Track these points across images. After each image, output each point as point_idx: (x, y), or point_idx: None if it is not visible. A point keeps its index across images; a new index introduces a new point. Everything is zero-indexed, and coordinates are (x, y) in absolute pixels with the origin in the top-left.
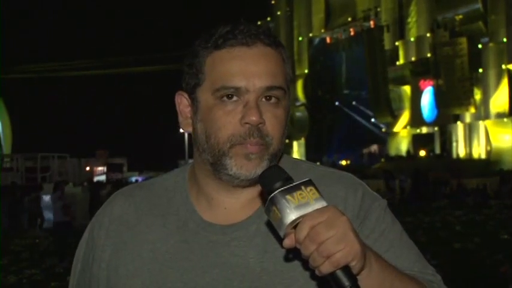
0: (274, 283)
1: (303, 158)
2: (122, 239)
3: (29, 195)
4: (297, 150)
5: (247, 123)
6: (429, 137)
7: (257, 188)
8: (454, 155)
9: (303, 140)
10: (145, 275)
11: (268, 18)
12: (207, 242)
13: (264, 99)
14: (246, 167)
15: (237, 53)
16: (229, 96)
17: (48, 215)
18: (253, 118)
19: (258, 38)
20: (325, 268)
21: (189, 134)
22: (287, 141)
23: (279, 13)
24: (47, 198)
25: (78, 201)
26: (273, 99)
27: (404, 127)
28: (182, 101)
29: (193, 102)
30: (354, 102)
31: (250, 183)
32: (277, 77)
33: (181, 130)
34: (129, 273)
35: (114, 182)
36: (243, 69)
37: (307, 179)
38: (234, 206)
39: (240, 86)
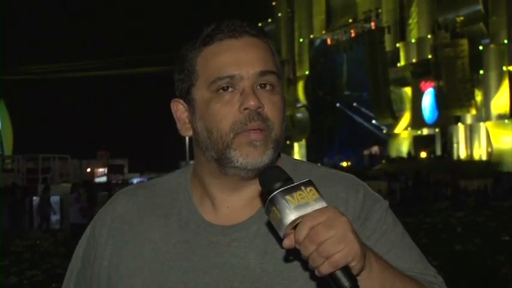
0: (274, 283)
1: (304, 159)
2: (124, 237)
3: (32, 197)
4: (298, 151)
5: (246, 108)
6: (430, 138)
7: (259, 186)
8: (455, 157)
9: (303, 141)
10: (146, 274)
11: (269, 20)
12: (208, 243)
13: (259, 87)
14: (252, 154)
15: (225, 45)
16: (225, 88)
17: (55, 216)
18: (252, 103)
19: (243, 29)
20: (325, 269)
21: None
22: (288, 142)
23: (280, 14)
24: (55, 199)
25: (78, 203)
26: (268, 86)
27: (405, 128)
28: (178, 108)
29: (190, 103)
30: (354, 104)
31: (255, 175)
32: (268, 63)
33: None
34: (130, 272)
35: (106, 185)
36: (235, 58)
37: (307, 179)
38: (236, 204)
39: (234, 74)
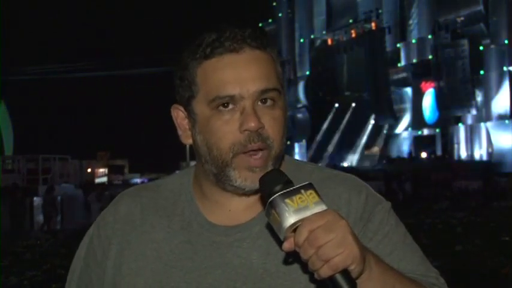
0: (277, 284)
1: (304, 160)
2: (127, 238)
3: (33, 197)
4: (298, 152)
5: (246, 130)
6: (430, 138)
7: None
8: (456, 157)
9: (304, 142)
10: (148, 274)
11: (270, 20)
12: (210, 243)
13: (259, 103)
14: (251, 178)
15: (226, 60)
16: (225, 105)
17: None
18: (252, 124)
19: (245, 42)
20: (324, 272)
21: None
22: (288, 142)
23: (280, 15)
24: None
25: (80, 204)
26: (269, 102)
27: (406, 129)
28: (179, 115)
29: (190, 114)
30: (354, 104)
31: (256, 191)
32: (270, 79)
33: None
34: (133, 272)
35: (102, 185)
36: (235, 76)
37: (307, 182)
38: (238, 207)
39: (234, 93)
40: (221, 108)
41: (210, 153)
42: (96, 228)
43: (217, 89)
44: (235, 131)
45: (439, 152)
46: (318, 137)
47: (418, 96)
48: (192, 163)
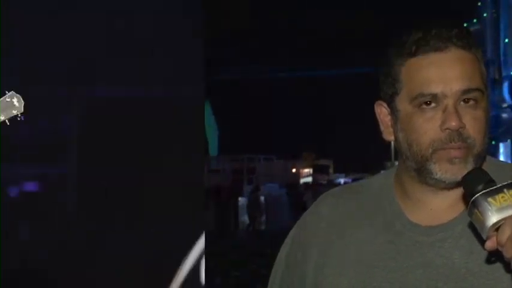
0: (479, 284)
1: (509, 160)
2: (329, 238)
3: (238, 197)
4: (503, 152)
5: (447, 128)
6: None
7: (463, 190)
8: None
9: (509, 142)
10: (351, 274)
11: (475, 20)
12: (413, 243)
13: (462, 103)
14: (451, 171)
15: (431, 59)
16: (428, 103)
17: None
18: (453, 123)
19: (450, 41)
20: None
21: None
22: (493, 142)
23: (485, 15)
24: (262, 199)
25: (284, 204)
26: (471, 102)
27: None
28: (382, 111)
29: (393, 111)
30: None
31: (457, 184)
32: (473, 80)
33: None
34: (336, 272)
35: (307, 186)
36: (439, 75)
37: (510, 181)
38: (440, 206)
39: (437, 92)
40: (424, 106)
41: (410, 149)
42: (298, 229)
43: (421, 87)
44: (436, 129)
45: None
46: None
47: None
48: (397, 163)
